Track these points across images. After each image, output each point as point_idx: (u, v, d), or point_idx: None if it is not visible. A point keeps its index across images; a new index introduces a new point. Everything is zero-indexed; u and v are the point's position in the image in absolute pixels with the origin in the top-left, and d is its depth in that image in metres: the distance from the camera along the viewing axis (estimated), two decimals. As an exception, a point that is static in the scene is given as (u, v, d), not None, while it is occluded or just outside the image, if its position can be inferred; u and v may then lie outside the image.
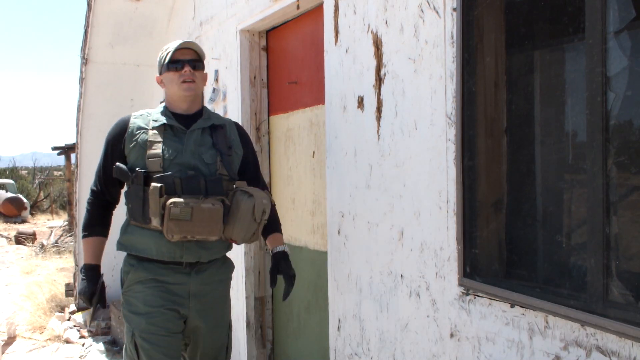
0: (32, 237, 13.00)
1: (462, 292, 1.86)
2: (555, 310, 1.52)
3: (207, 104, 4.09)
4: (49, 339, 5.40)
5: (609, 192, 1.43)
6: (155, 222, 2.13)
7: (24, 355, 5.05)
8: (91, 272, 2.28)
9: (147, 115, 2.28)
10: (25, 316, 6.09)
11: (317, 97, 2.94)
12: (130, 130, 2.22)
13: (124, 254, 2.28)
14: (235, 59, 3.57)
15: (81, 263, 6.49)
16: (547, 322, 1.57)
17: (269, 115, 3.55)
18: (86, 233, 2.31)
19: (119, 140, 2.23)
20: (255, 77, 3.54)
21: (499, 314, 1.72)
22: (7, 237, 13.77)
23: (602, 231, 1.42)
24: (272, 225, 2.40)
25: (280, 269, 2.33)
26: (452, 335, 1.91)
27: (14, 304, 6.60)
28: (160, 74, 2.32)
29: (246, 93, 3.53)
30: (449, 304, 1.92)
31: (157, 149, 2.18)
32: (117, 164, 2.20)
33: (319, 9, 2.78)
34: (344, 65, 2.49)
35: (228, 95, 3.74)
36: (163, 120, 2.23)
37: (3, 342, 5.32)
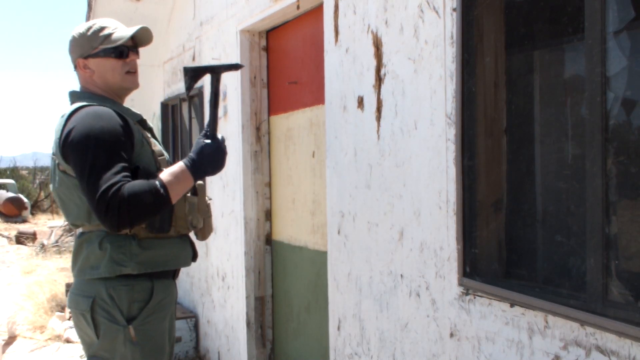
0: (33, 236, 13.00)
1: (462, 292, 1.86)
2: (555, 310, 1.52)
3: (207, 104, 4.10)
4: (50, 339, 5.40)
5: (609, 192, 1.43)
6: (199, 224, 1.95)
7: (26, 354, 5.05)
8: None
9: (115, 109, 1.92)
10: (25, 316, 6.09)
11: (317, 97, 2.94)
12: (130, 125, 1.87)
13: None
14: (236, 59, 3.57)
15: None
16: (546, 322, 1.57)
17: (269, 115, 3.55)
18: (158, 183, 1.75)
19: (127, 137, 1.82)
20: (255, 77, 3.54)
21: (498, 314, 1.73)
22: (7, 237, 13.78)
23: (601, 231, 1.42)
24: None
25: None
26: (452, 335, 1.92)
27: (15, 304, 6.60)
28: (87, 56, 1.91)
29: (246, 93, 3.53)
30: (448, 303, 1.92)
31: (157, 147, 1.97)
32: (140, 166, 1.84)
33: (319, 9, 2.78)
34: (344, 65, 2.49)
35: (228, 95, 3.74)
36: (133, 112, 1.96)
37: (4, 342, 5.32)
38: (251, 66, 3.53)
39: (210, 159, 1.83)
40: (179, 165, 1.81)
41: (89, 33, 1.91)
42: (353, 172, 2.45)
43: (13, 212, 17.80)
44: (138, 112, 2.00)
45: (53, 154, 1.89)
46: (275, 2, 3.08)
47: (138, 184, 1.71)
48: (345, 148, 2.50)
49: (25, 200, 18.55)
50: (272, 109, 3.52)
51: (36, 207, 20.37)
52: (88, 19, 5.21)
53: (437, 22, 1.93)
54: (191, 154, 1.84)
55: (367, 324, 2.38)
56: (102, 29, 1.92)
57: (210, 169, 1.84)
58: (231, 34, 3.65)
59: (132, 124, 1.89)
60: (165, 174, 1.78)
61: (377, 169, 2.28)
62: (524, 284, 1.72)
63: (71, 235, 10.83)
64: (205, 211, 1.98)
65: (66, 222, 13.69)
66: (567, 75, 1.73)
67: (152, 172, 1.84)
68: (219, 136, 1.87)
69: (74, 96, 1.97)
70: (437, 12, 1.92)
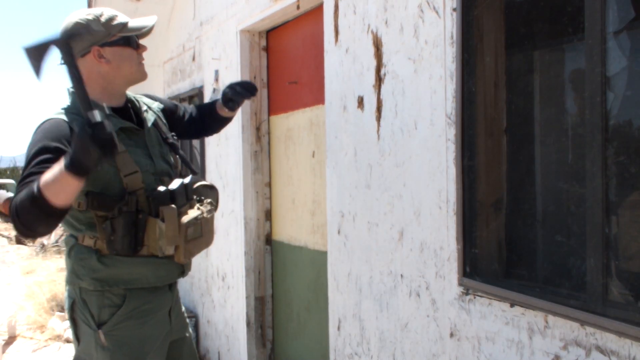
0: (33, 237, 12.97)
1: (462, 292, 1.86)
2: (555, 309, 1.52)
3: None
4: (50, 339, 5.41)
5: (609, 192, 1.43)
6: (168, 251, 1.77)
7: (27, 354, 5.06)
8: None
9: (77, 116, 1.74)
10: (27, 315, 6.09)
11: (317, 97, 2.94)
12: None
13: None
14: (236, 59, 3.57)
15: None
16: (546, 322, 1.57)
17: (269, 115, 3.55)
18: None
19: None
20: (255, 77, 3.54)
21: (498, 314, 1.73)
22: (7, 237, 13.77)
23: (601, 231, 1.42)
24: (208, 108, 2.25)
25: (230, 86, 2.18)
26: (452, 335, 1.92)
27: (15, 304, 6.60)
28: (104, 44, 1.79)
29: (246, 93, 3.53)
30: (448, 303, 1.92)
31: (128, 161, 1.76)
32: (91, 190, 1.70)
33: (319, 9, 2.78)
34: (344, 65, 2.49)
35: (228, 95, 3.74)
36: (112, 121, 1.73)
37: (4, 342, 5.32)
38: (251, 66, 3.53)
39: (76, 147, 1.49)
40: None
41: (102, 19, 1.79)
42: (353, 172, 2.45)
43: (13, 212, 17.77)
44: (127, 123, 1.84)
45: None
46: (275, 2, 3.08)
47: (25, 190, 1.55)
48: (345, 148, 2.50)
49: (25, 200, 18.52)
50: (272, 109, 3.52)
51: (36, 207, 20.34)
52: (88, 19, 5.21)
53: (437, 22, 1.93)
54: None
55: (367, 324, 2.38)
56: (114, 16, 1.82)
57: (81, 158, 1.49)
58: (231, 34, 3.65)
59: None
60: (47, 173, 1.54)
61: (377, 169, 2.28)
62: (524, 284, 1.72)
63: (71, 235, 10.82)
64: (173, 238, 1.76)
65: (66, 222, 13.70)
66: (567, 75, 1.73)
67: (109, 196, 1.73)
68: (98, 117, 1.49)
69: (70, 95, 1.86)
70: (437, 12, 1.92)
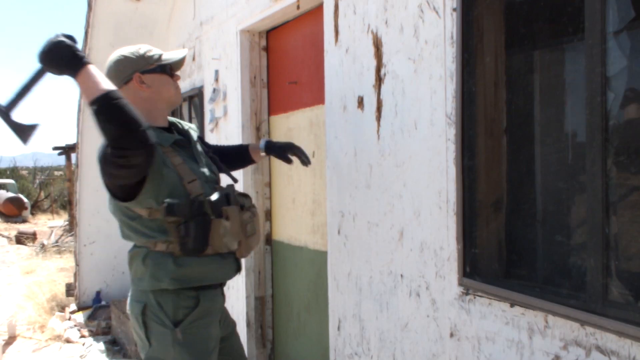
0: (33, 236, 13.01)
1: (462, 292, 1.86)
2: (555, 309, 1.52)
3: (207, 104, 4.10)
4: (50, 339, 5.41)
5: (609, 192, 1.43)
6: (233, 246, 2.01)
7: (29, 354, 5.06)
8: None
9: None
10: (25, 316, 6.10)
11: (317, 97, 2.94)
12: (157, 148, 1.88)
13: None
14: (236, 59, 3.57)
15: (82, 263, 6.45)
16: (546, 322, 1.57)
17: (269, 115, 3.55)
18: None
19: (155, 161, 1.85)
20: (255, 77, 3.54)
21: (498, 314, 1.73)
22: (7, 237, 13.79)
23: (601, 231, 1.42)
24: (235, 149, 2.50)
25: (282, 147, 2.43)
26: (452, 335, 1.92)
27: (15, 304, 6.61)
28: (149, 72, 2.04)
29: (246, 93, 3.53)
30: (448, 303, 1.92)
31: (187, 170, 1.99)
32: (168, 200, 1.91)
33: (319, 9, 2.78)
34: (344, 65, 2.49)
35: (228, 95, 3.74)
36: (166, 136, 2.00)
37: (4, 342, 5.32)
38: (251, 66, 3.53)
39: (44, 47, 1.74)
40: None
41: (141, 52, 2.06)
42: (353, 172, 2.45)
43: (13, 212, 17.81)
44: (173, 136, 2.05)
45: None
46: (275, 2, 3.08)
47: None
48: (345, 148, 2.50)
49: (25, 200, 18.55)
50: (272, 109, 3.53)
51: (36, 207, 20.38)
52: (88, 19, 5.22)
53: (437, 22, 1.93)
54: None
55: (367, 324, 2.38)
56: (150, 50, 2.08)
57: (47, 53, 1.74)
58: (231, 34, 3.65)
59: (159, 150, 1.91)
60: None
61: (377, 169, 2.28)
62: (524, 284, 1.72)
63: (71, 235, 10.83)
64: (237, 234, 2.02)
65: (66, 222, 13.70)
66: (567, 75, 1.73)
67: (181, 203, 1.92)
68: (62, 37, 1.77)
69: None
70: (437, 12, 1.92)
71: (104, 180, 1.84)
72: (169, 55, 2.11)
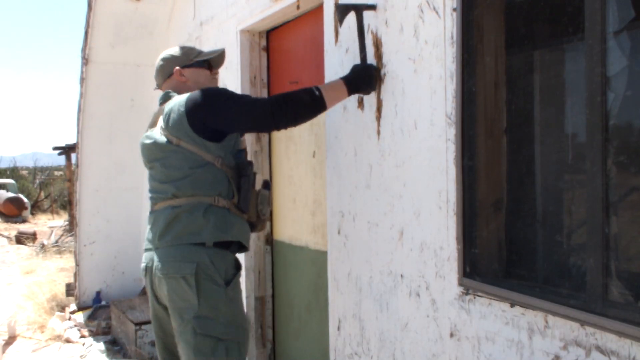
0: (33, 236, 13.01)
1: (462, 292, 1.86)
2: (555, 309, 1.52)
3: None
4: (50, 339, 5.41)
5: (609, 192, 1.43)
6: (268, 214, 2.32)
7: (29, 354, 5.06)
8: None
9: None
10: (25, 316, 6.09)
11: (317, 97, 2.94)
12: None
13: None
14: (236, 59, 3.57)
15: (82, 263, 6.42)
16: (546, 322, 1.57)
17: (269, 115, 3.55)
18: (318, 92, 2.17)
19: None
20: (255, 77, 3.54)
21: (498, 314, 1.73)
22: (7, 237, 13.78)
23: (601, 231, 1.42)
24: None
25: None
26: (451, 335, 1.92)
27: (15, 304, 6.61)
28: (188, 66, 2.38)
29: (246, 93, 3.53)
30: (448, 303, 1.92)
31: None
32: (239, 149, 2.28)
33: (319, 9, 2.78)
34: (344, 65, 2.49)
35: (228, 95, 3.74)
36: None
37: (4, 342, 5.32)
38: (251, 66, 3.53)
39: (361, 74, 2.21)
40: (337, 79, 2.24)
41: (184, 50, 2.43)
42: (353, 172, 2.45)
43: (13, 212, 17.80)
44: None
45: (163, 132, 2.18)
46: (275, 2, 3.08)
47: (304, 91, 2.16)
48: (345, 148, 2.50)
49: (25, 200, 18.55)
50: (272, 109, 3.52)
51: (36, 207, 20.37)
52: (88, 19, 5.22)
53: (437, 22, 1.93)
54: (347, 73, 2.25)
55: (367, 324, 2.38)
56: (192, 47, 2.46)
57: (361, 83, 2.21)
58: (231, 34, 3.65)
59: None
60: (327, 86, 2.21)
61: (377, 169, 2.28)
62: (524, 284, 1.72)
63: (71, 235, 10.84)
64: (270, 205, 2.30)
65: (66, 222, 13.68)
66: (567, 76, 1.73)
67: (244, 151, 2.31)
68: (369, 63, 2.24)
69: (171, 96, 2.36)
70: (437, 12, 1.92)
71: (213, 120, 2.12)
72: (208, 52, 2.46)
